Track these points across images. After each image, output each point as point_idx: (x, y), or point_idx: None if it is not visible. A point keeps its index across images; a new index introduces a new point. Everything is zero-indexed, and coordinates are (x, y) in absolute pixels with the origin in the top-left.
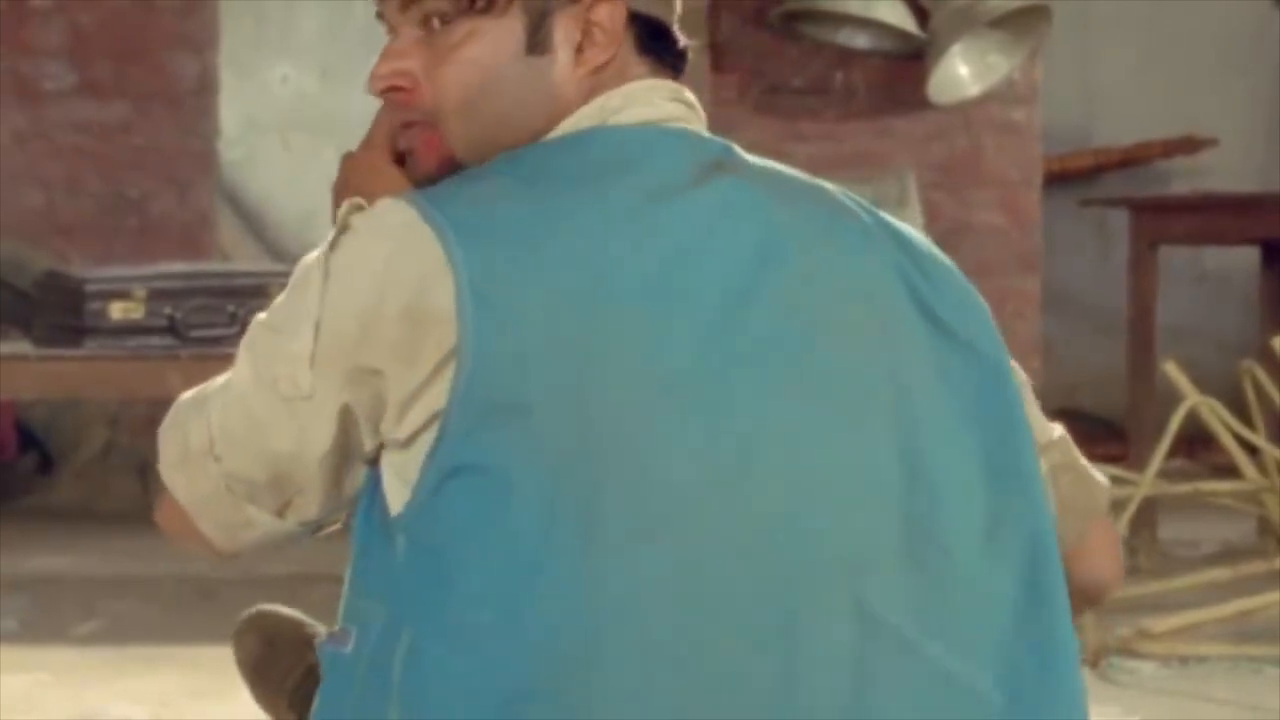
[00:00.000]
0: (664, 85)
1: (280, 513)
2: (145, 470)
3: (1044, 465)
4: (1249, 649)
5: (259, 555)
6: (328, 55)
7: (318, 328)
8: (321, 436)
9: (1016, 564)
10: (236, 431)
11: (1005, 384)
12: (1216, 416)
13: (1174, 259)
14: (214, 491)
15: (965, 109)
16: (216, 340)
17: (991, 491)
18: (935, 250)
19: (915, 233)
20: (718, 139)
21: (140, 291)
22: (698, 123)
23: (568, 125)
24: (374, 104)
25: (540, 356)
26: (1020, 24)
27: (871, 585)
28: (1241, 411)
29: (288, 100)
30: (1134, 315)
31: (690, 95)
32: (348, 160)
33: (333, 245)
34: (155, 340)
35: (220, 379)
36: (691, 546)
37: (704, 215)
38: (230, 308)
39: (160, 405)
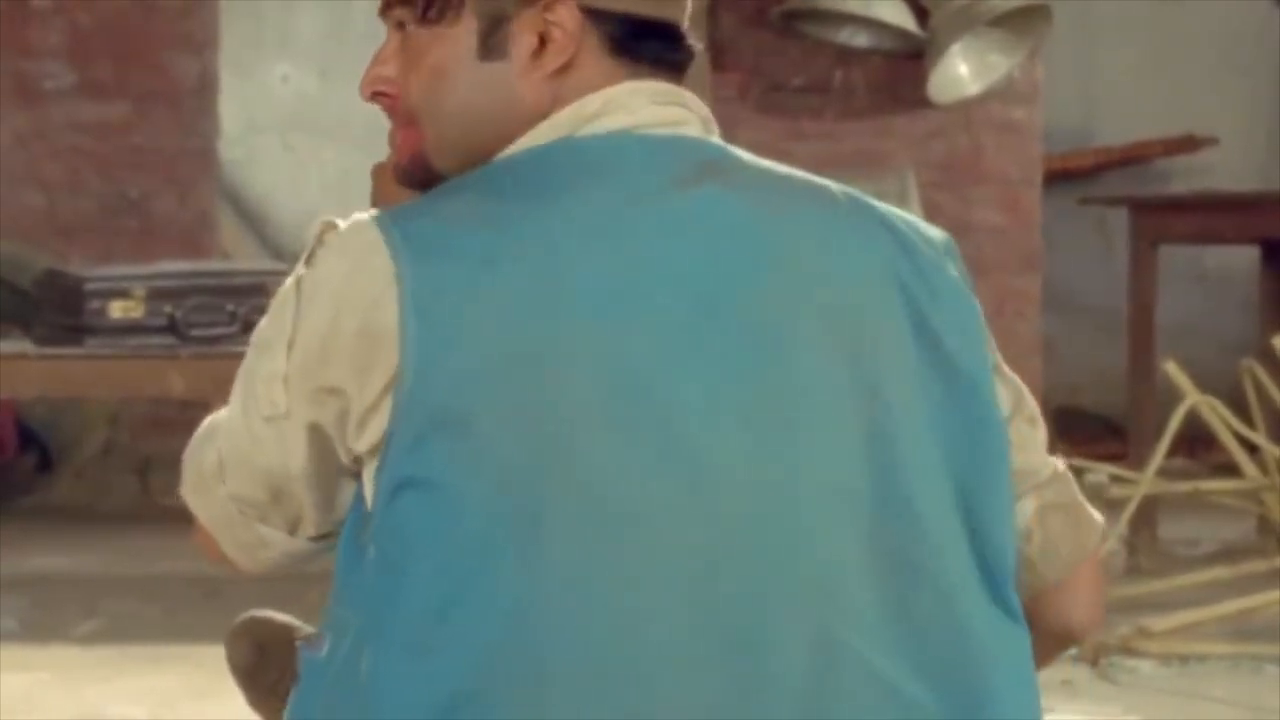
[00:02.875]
0: (647, 88)
1: (293, 530)
2: (145, 469)
3: (1034, 503)
4: (1249, 648)
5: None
6: (327, 55)
7: (290, 347)
8: (298, 453)
9: (984, 596)
10: (235, 453)
11: (984, 406)
12: (1217, 415)
13: (1174, 258)
14: (226, 513)
15: (966, 108)
16: (216, 339)
17: (965, 519)
18: (938, 253)
19: (921, 231)
20: (710, 142)
21: (140, 291)
22: (693, 125)
23: (543, 129)
24: (372, 105)
25: (486, 371)
26: (1020, 23)
27: (835, 608)
28: (1241, 410)
29: (288, 100)
30: (1134, 314)
31: (685, 95)
32: (376, 170)
33: (307, 263)
34: (155, 339)
35: (216, 421)
36: (639, 564)
37: (675, 225)
38: (230, 307)
39: (160, 404)
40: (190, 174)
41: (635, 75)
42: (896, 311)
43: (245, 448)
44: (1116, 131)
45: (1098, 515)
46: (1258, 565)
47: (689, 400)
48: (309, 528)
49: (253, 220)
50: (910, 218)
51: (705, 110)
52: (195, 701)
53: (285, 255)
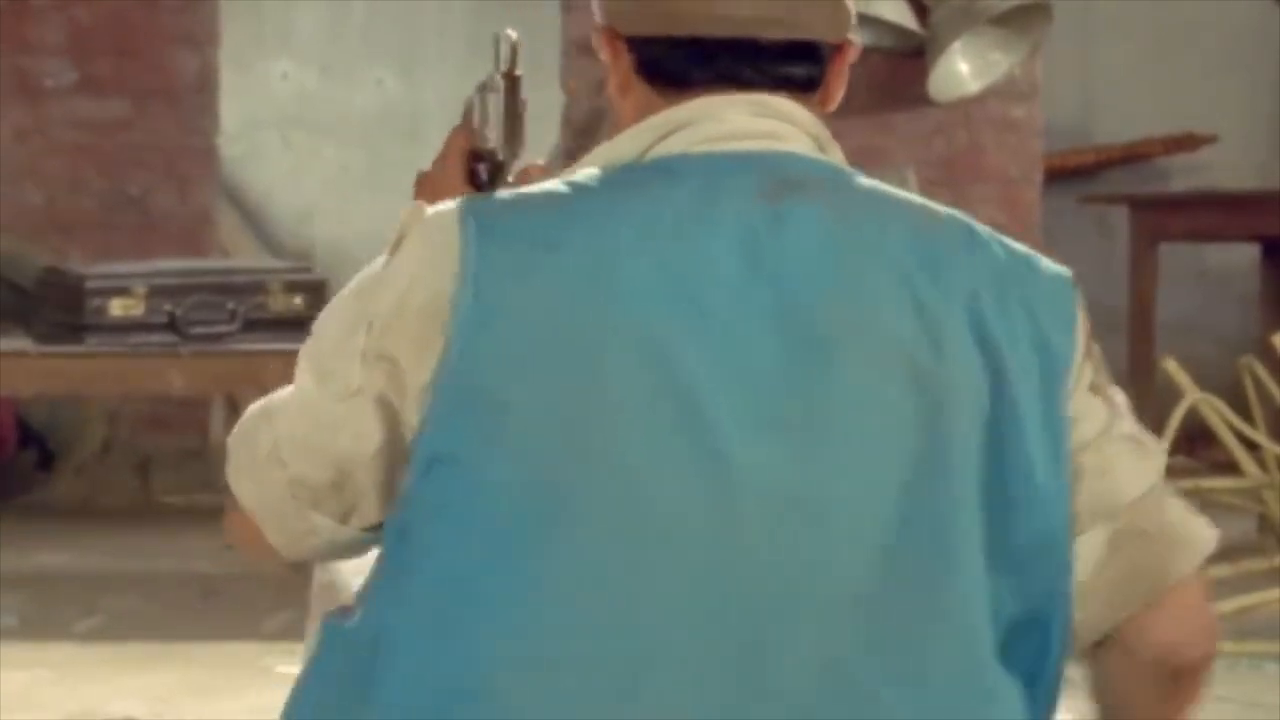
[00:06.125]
0: (745, 100)
1: (344, 518)
2: (145, 467)
3: (1104, 533)
4: (1249, 646)
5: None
6: (328, 52)
7: (370, 326)
8: (373, 431)
9: (992, 643)
10: (300, 435)
11: (1026, 453)
12: (1216, 413)
13: (1174, 256)
14: (278, 497)
15: (966, 106)
16: (216, 337)
17: (990, 562)
18: (1034, 287)
19: (1023, 263)
20: (804, 157)
21: (140, 288)
22: (795, 140)
23: (642, 129)
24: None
25: (529, 354)
26: (1021, 21)
27: (847, 632)
28: (1242, 408)
29: (288, 97)
30: (1134, 312)
31: (793, 110)
32: (424, 179)
33: (393, 249)
34: (155, 337)
35: (286, 389)
36: (658, 562)
37: (742, 233)
38: (230, 304)
39: (160, 402)
40: (190, 171)
41: (682, 98)
42: (968, 340)
43: (316, 429)
44: (1116, 129)
45: (1200, 531)
46: (1258, 563)
47: (728, 405)
48: (368, 514)
49: (253, 217)
50: (1022, 250)
51: (820, 129)
52: (194, 698)
53: (285, 252)
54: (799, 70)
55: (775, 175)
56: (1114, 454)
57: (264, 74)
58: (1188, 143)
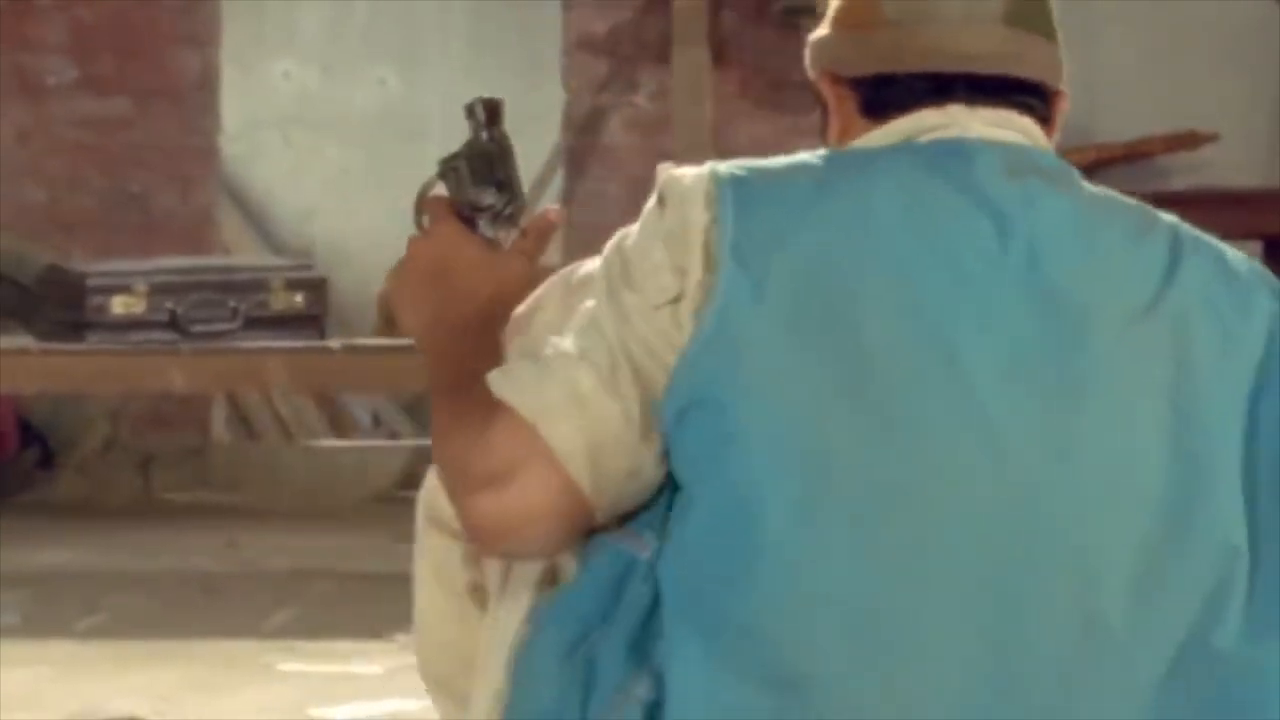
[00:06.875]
0: (981, 112)
1: (662, 459)
2: (146, 465)
3: None
4: None
5: (261, 550)
6: (329, 51)
7: (665, 241)
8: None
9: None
10: (638, 357)
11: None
12: None
13: None
14: (612, 433)
15: None
16: (217, 335)
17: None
18: (1254, 291)
19: (1244, 267)
20: (1043, 151)
21: (142, 286)
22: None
23: (876, 135)
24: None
25: (788, 311)
26: None
27: (1104, 591)
28: None
29: (289, 96)
30: None
31: (1026, 125)
32: (421, 243)
33: (660, 200)
34: (156, 335)
35: (525, 362)
36: (920, 515)
37: (994, 204)
38: (231, 302)
39: (161, 399)
40: (192, 169)
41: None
42: (1213, 335)
43: (653, 351)
44: (1118, 128)
45: None
46: None
47: (987, 364)
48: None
49: (254, 216)
50: (1236, 254)
51: (1045, 143)
52: (196, 696)
53: (286, 250)
54: (1030, 101)
55: (1019, 161)
56: None
57: (265, 73)
58: (1189, 141)
